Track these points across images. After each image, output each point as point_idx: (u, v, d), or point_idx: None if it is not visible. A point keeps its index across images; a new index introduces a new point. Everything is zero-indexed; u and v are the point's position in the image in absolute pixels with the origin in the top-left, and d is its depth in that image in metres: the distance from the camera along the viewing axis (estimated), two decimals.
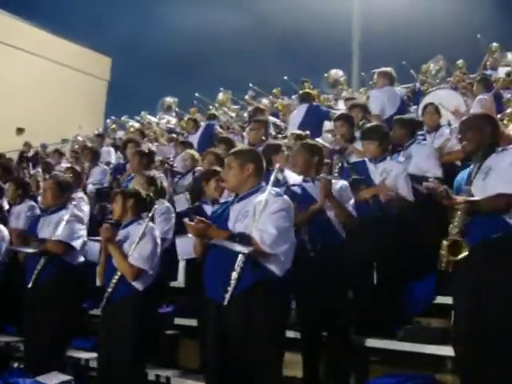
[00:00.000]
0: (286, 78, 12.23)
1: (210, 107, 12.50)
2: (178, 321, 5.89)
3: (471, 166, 3.81)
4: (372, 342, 4.72)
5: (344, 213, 4.54)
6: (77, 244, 5.22)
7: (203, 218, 3.64)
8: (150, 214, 4.55)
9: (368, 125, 5.64)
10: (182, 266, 6.31)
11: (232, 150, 4.05)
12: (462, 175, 3.85)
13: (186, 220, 3.70)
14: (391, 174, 4.97)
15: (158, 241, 4.59)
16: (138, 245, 4.40)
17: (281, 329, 3.77)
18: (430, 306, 4.97)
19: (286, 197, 3.76)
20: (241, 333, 3.51)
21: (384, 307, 4.86)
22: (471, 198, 3.50)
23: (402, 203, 4.96)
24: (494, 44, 10.25)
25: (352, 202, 4.66)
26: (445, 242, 3.48)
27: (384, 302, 4.88)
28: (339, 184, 4.67)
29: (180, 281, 6.44)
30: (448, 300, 4.47)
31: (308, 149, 4.78)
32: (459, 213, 3.46)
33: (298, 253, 4.11)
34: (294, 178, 5.01)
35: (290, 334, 4.70)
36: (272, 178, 3.73)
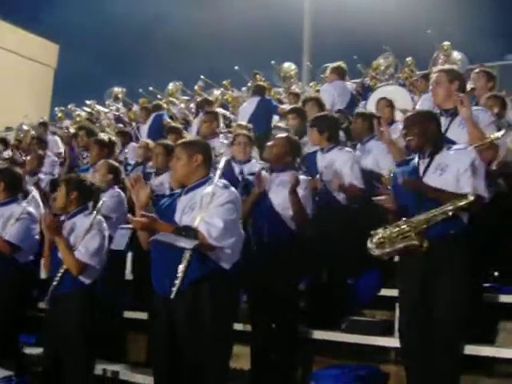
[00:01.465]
0: (236, 67, 12.16)
1: (160, 98, 12.35)
2: (126, 314, 5.82)
3: (414, 161, 3.91)
4: (317, 334, 4.80)
5: (301, 210, 4.56)
6: (26, 245, 5.02)
7: (147, 213, 3.56)
8: (98, 206, 4.40)
9: (317, 114, 5.68)
10: (129, 258, 6.25)
11: (180, 141, 4.02)
12: (402, 169, 3.96)
13: (130, 216, 3.68)
14: (335, 165, 5.03)
15: (106, 233, 4.45)
16: (85, 239, 4.26)
17: (228, 322, 3.80)
18: (375, 297, 5.08)
19: (232, 189, 3.73)
20: (188, 326, 3.50)
21: (329, 299, 4.94)
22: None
23: (350, 189, 5.05)
24: (446, 42, 10.47)
25: (307, 197, 4.67)
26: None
27: (329, 294, 4.96)
28: (303, 180, 4.70)
29: (128, 273, 6.38)
30: (392, 292, 4.59)
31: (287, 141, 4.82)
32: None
33: (247, 245, 4.17)
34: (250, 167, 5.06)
35: (239, 326, 4.74)
36: (219, 170, 3.72)
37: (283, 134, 5.04)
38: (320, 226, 4.82)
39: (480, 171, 3.71)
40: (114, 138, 7.32)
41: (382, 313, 5.04)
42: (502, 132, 4.16)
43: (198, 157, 3.72)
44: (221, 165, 3.76)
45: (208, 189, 3.59)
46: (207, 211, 3.49)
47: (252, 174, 4.91)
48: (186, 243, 3.38)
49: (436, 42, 10.36)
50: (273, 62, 11.58)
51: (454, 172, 3.68)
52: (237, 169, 5.57)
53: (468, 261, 3.70)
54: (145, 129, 9.35)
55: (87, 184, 4.60)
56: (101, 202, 4.46)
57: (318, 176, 5.02)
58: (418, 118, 3.96)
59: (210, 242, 3.45)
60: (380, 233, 3.73)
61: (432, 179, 3.74)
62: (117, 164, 5.94)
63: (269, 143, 5.02)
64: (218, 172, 3.70)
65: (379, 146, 5.65)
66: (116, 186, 5.81)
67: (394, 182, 3.94)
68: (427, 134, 3.87)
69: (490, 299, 4.54)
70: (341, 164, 5.06)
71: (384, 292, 5.02)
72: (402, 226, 3.65)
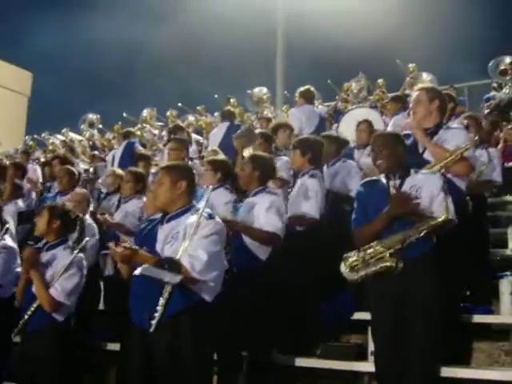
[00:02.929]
0: (216, 96, 12.21)
1: (138, 126, 12.32)
2: (102, 345, 5.66)
3: (382, 182, 3.90)
4: (292, 360, 4.73)
5: (257, 236, 4.47)
6: (5, 281, 4.87)
7: (128, 244, 3.41)
8: (83, 243, 4.23)
9: (300, 137, 5.67)
10: (101, 287, 6.14)
11: (164, 165, 3.87)
12: (368, 190, 3.95)
13: (112, 245, 3.44)
14: (299, 191, 5.01)
15: (85, 272, 4.26)
16: (63, 276, 4.07)
17: (209, 356, 3.68)
18: (349, 321, 5.04)
19: (218, 219, 3.58)
20: (166, 362, 3.35)
21: (303, 325, 4.89)
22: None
23: (310, 222, 4.99)
24: (411, 64, 10.64)
25: (271, 216, 4.52)
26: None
27: (304, 320, 4.91)
28: (255, 200, 4.61)
29: (101, 303, 6.26)
30: (366, 315, 4.54)
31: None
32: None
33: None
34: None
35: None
36: (204, 198, 3.55)
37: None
38: (292, 252, 4.77)
39: (449, 195, 3.71)
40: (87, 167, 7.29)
41: (357, 336, 4.99)
42: (465, 145, 4.14)
43: (183, 183, 3.58)
44: (206, 194, 3.61)
45: (192, 218, 3.44)
46: (191, 243, 3.35)
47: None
48: (171, 278, 3.23)
49: (404, 66, 10.55)
50: (248, 91, 11.69)
51: (428, 194, 3.70)
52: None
53: (441, 282, 3.70)
54: (117, 156, 9.26)
55: (71, 215, 4.44)
56: (85, 241, 4.31)
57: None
58: (387, 140, 3.96)
59: (194, 276, 3.30)
60: (353, 256, 3.69)
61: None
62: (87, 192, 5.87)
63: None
64: (204, 201, 3.52)
65: (346, 168, 5.68)
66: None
67: (363, 200, 3.91)
68: (396, 156, 3.88)
69: (463, 320, 4.52)
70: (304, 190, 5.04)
71: (358, 315, 4.98)
72: (376, 248, 3.62)
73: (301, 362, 4.71)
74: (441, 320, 3.67)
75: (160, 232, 3.53)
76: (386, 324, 3.70)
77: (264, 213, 4.48)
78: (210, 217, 3.50)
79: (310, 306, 4.95)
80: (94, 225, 5.70)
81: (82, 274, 4.21)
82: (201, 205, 3.50)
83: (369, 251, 3.64)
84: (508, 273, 5.07)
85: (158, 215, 3.70)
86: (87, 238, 4.50)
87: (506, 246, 5.85)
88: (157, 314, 3.26)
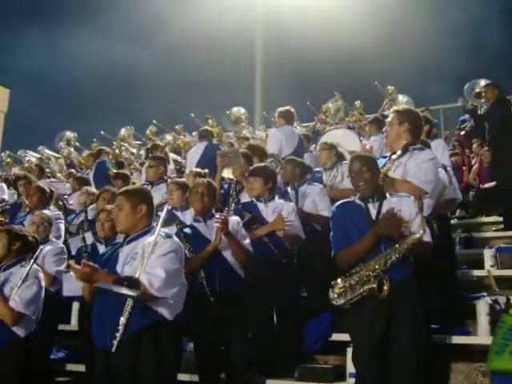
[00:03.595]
0: (192, 115, 12.22)
1: (115, 144, 12.27)
2: (69, 367, 5.63)
3: (359, 204, 3.91)
4: (270, 383, 4.68)
5: (241, 250, 4.48)
6: None
7: (89, 262, 3.46)
8: (35, 255, 4.27)
9: (256, 164, 5.66)
10: (75, 307, 6.05)
11: (122, 190, 3.90)
12: (345, 211, 3.94)
13: (72, 263, 3.52)
14: (283, 211, 5.00)
15: (43, 283, 4.32)
16: (20, 288, 4.13)
17: (172, 374, 3.66)
18: (327, 343, 5.01)
19: (175, 238, 3.66)
20: (129, 379, 3.37)
21: (282, 347, 4.85)
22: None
23: (296, 240, 5.01)
24: (390, 87, 10.78)
25: (248, 239, 4.60)
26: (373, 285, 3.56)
27: (281, 342, 4.87)
28: (235, 220, 4.62)
29: (74, 323, 6.17)
30: (344, 337, 4.52)
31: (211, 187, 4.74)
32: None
33: (196, 296, 4.05)
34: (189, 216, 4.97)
35: (185, 377, 4.60)
36: (161, 219, 3.62)
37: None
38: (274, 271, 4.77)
39: (423, 215, 3.76)
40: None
41: (335, 358, 4.97)
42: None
43: (143, 207, 3.63)
44: (163, 214, 3.67)
45: (150, 238, 3.49)
46: (149, 261, 3.39)
47: (187, 225, 4.79)
48: (129, 291, 3.26)
49: (382, 88, 10.69)
50: (227, 111, 11.73)
51: (408, 216, 3.74)
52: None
53: (423, 303, 3.75)
54: (91, 175, 9.20)
55: (30, 236, 4.50)
56: (39, 250, 4.33)
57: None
58: (368, 163, 3.95)
59: (152, 293, 3.33)
60: (340, 282, 3.66)
61: None
62: (48, 213, 5.76)
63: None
64: (160, 221, 3.59)
65: (315, 189, 5.69)
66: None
67: (342, 222, 3.90)
68: (376, 179, 3.92)
69: (440, 341, 4.53)
70: (287, 213, 5.02)
71: (336, 336, 4.96)
72: (361, 273, 3.63)
73: None
74: (425, 342, 3.71)
75: (121, 254, 3.58)
76: (369, 346, 3.66)
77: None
78: (167, 236, 3.56)
79: (288, 326, 4.91)
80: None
81: (39, 283, 4.28)
82: (157, 225, 3.56)
83: (354, 277, 3.63)
84: (484, 293, 5.09)
85: (120, 239, 3.76)
86: (41, 246, 4.52)
87: (481, 266, 5.88)
88: (118, 334, 3.30)
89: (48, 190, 6.64)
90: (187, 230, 4.57)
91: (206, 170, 6.43)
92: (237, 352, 4.41)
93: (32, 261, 4.25)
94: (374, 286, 3.54)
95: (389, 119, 4.48)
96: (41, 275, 4.34)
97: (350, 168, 4.02)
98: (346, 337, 4.30)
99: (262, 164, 5.64)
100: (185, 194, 5.33)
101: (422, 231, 3.64)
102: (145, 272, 3.37)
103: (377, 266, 3.61)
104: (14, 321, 4.07)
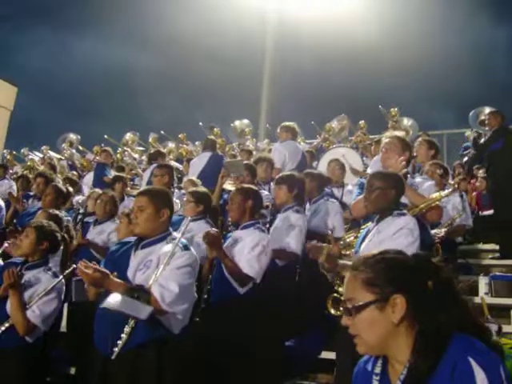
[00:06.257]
0: (200, 123, 12.25)
1: (119, 149, 12.31)
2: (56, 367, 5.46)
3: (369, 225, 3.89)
4: None
5: (235, 271, 4.28)
6: None
7: (99, 267, 3.27)
8: (69, 271, 4.01)
9: (285, 172, 5.66)
10: (65, 309, 6.01)
11: (145, 189, 3.71)
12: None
13: (81, 266, 3.22)
14: (283, 225, 4.98)
15: (62, 297, 4.11)
16: (42, 300, 3.87)
17: None
18: (317, 361, 5.00)
19: (193, 250, 3.45)
20: None
21: (272, 363, 4.82)
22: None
23: (291, 256, 4.94)
24: (394, 109, 10.85)
25: (254, 256, 4.34)
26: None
27: (273, 357, 4.85)
28: (244, 236, 4.44)
29: (63, 325, 6.14)
30: (333, 355, 4.50)
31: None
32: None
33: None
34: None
35: None
36: (183, 228, 3.45)
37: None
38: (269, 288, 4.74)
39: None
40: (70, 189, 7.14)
41: (323, 376, 4.93)
42: (445, 192, 4.23)
43: (166, 212, 3.46)
44: (184, 223, 3.52)
45: (167, 248, 3.33)
46: (163, 272, 3.22)
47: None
48: (138, 313, 3.07)
49: (386, 111, 10.76)
50: (232, 124, 11.78)
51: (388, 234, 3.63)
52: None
53: None
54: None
55: (58, 236, 4.26)
56: (72, 268, 4.00)
57: None
58: (382, 182, 3.83)
59: (162, 307, 3.17)
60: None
61: (367, 247, 3.67)
62: (58, 212, 5.73)
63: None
64: (181, 231, 3.41)
65: (327, 207, 5.68)
66: None
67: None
68: (386, 199, 3.79)
69: None
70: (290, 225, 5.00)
71: (325, 354, 4.94)
72: None
73: None
74: None
75: (133, 258, 3.40)
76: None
77: (247, 252, 4.35)
78: (186, 248, 3.38)
79: (277, 343, 4.89)
80: None
81: (60, 299, 4.05)
82: (178, 234, 3.40)
83: None
84: None
85: (131, 238, 3.58)
86: (74, 266, 4.04)
87: (476, 293, 5.88)
88: (120, 342, 3.13)
89: (65, 191, 6.38)
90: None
91: (199, 181, 6.45)
92: (223, 368, 4.34)
93: (61, 277, 4.04)
94: None
95: (387, 142, 4.51)
96: (64, 289, 4.12)
97: (367, 183, 3.89)
98: (334, 355, 4.28)
99: (289, 172, 5.58)
100: (199, 206, 5.24)
101: None
102: (158, 283, 3.20)
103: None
104: (27, 332, 3.85)
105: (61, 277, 4.02)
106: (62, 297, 4.11)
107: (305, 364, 5.02)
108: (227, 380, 4.28)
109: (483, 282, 5.93)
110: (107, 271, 3.24)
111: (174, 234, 3.47)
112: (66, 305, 5.73)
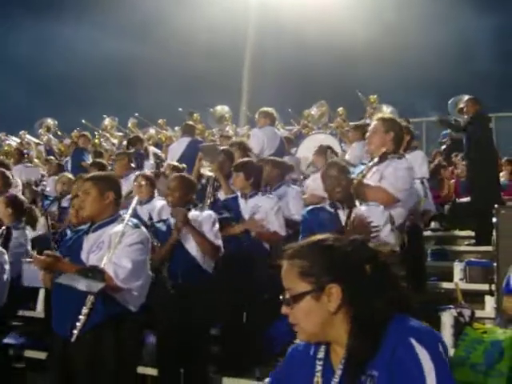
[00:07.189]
0: (180, 109, 12.14)
1: (96, 133, 12.17)
2: (27, 353, 5.55)
3: (329, 210, 4.00)
4: (229, 381, 4.67)
5: (206, 243, 4.45)
6: None
7: (50, 252, 3.40)
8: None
9: (243, 159, 5.65)
10: (41, 294, 5.98)
11: (90, 176, 3.84)
12: (314, 217, 4.00)
13: (34, 253, 3.47)
14: (261, 210, 4.99)
15: (6, 267, 4.19)
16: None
17: (132, 368, 3.63)
18: (291, 344, 4.98)
19: (143, 228, 3.59)
20: (88, 371, 3.29)
21: (245, 347, 4.83)
22: None
23: (273, 238, 4.99)
24: (373, 96, 10.83)
25: (215, 231, 4.55)
26: None
27: (245, 342, 4.85)
28: (206, 214, 4.62)
29: (39, 310, 6.10)
30: None
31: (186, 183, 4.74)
32: None
33: (159, 288, 4.02)
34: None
35: (146, 370, 4.56)
36: (130, 208, 3.59)
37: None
38: (240, 269, 4.75)
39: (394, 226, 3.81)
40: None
41: None
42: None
43: (110, 194, 3.57)
44: (133, 203, 3.64)
45: (118, 227, 3.43)
46: (115, 251, 3.33)
47: (161, 220, 4.80)
48: (90, 286, 3.17)
49: (364, 97, 10.74)
50: (211, 109, 11.69)
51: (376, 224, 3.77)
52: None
53: None
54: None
55: None
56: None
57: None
58: (343, 171, 4.04)
59: (117, 284, 3.27)
60: None
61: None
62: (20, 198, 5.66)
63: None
64: (130, 211, 3.56)
65: (290, 192, 5.69)
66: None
67: (310, 227, 3.91)
68: (349, 187, 3.95)
69: None
70: (266, 210, 5.01)
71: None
72: None
73: (238, 383, 4.64)
74: None
75: (85, 241, 3.50)
76: None
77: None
78: (136, 226, 3.50)
79: (260, 322, 4.89)
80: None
81: (2, 268, 4.18)
82: (126, 215, 3.52)
83: None
84: (451, 306, 5.12)
85: (84, 226, 3.67)
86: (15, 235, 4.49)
87: (451, 279, 5.93)
88: (79, 324, 3.22)
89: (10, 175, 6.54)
90: (160, 226, 4.59)
91: (184, 165, 6.40)
92: (196, 347, 4.40)
93: None
94: None
95: (372, 126, 4.49)
96: (5, 257, 4.21)
97: (327, 173, 4.04)
98: None
99: (246, 159, 5.60)
100: (153, 187, 5.31)
101: (393, 241, 3.65)
102: (110, 262, 3.29)
103: None
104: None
105: None
106: (6, 266, 4.19)
107: (280, 347, 5.02)
108: (196, 360, 4.37)
109: (458, 268, 5.98)
110: (59, 255, 3.37)
111: (124, 215, 3.56)
112: (42, 290, 5.76)
